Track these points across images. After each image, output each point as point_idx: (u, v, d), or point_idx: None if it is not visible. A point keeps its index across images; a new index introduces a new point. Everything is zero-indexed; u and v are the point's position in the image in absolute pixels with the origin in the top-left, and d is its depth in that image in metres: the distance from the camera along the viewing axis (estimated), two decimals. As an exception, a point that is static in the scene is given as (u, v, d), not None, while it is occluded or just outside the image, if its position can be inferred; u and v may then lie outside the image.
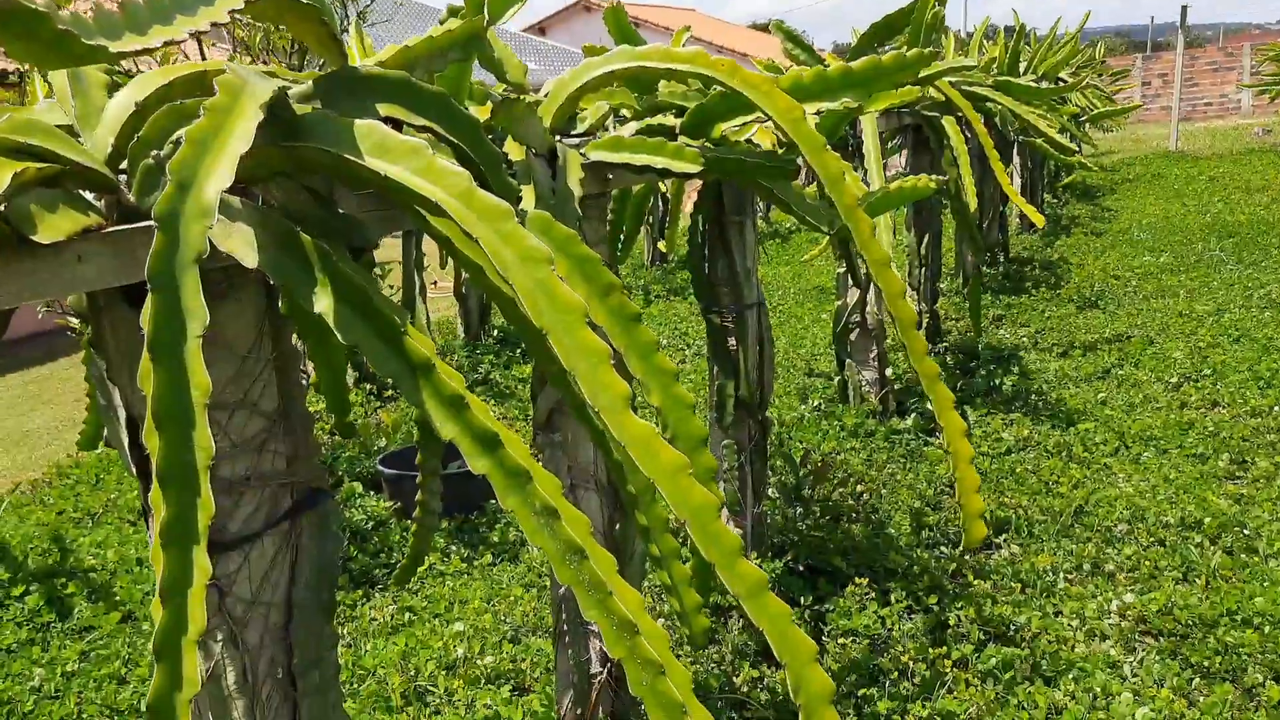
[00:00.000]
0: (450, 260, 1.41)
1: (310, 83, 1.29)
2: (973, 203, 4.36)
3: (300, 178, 1.27)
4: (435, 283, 7.63)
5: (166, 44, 1.11)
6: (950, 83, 4.36)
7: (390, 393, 5.71)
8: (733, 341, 2.98)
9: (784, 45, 4.17)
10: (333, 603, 1.41)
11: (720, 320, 2.98)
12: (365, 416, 5.24)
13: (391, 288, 5.32)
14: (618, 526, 2.16)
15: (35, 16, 0.93)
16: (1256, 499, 3.64)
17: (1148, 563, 3.23)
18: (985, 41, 7.83)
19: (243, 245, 1.09)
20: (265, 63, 4.44)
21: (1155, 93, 25.60)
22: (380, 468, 4.16)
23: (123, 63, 1.29)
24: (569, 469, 2.13)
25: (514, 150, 1.70)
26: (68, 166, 1.06)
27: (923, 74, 3.22)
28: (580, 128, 2.18)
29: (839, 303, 4.68)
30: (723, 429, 3.04)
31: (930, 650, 2.75)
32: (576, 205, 1.69)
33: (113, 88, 1.26)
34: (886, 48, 3.87)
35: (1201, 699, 2.55)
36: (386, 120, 1.26)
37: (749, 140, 2.23)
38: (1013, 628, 2.90)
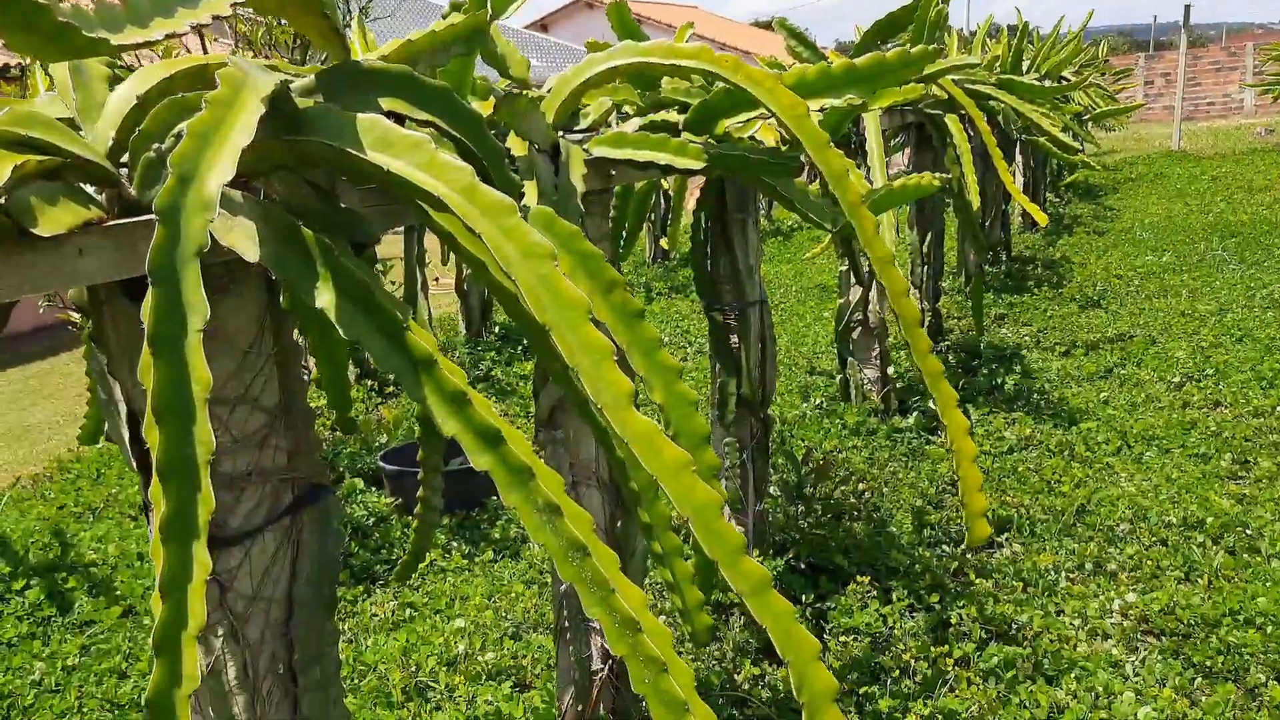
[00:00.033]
0: (452, 256, 1.40)
1: (312, 76, 1.28)
2: (975, 201, 4.35)
3: (302, 172, 1.26)
4: (437, 279, 7.63)
5: (168, 37, 1.11)
6: (953, 81, 4.35)
7: (392, 389, 5.70)
8: (735, 339, 2.97)
9: (787, 43, 4.16)
10: (334, 598, 1.41)
11: (722, 318, 2.97)
12: (367, 413, 5.23)
13: (393, 284, 5.33)
14: (619, 524, 2.15)
15: (36, 8, 0.93)
16: (1259, 499, 3.64)
17: (1150, 562, 3.23)
18: (988, 40, 7.82)
19: (244, 239, 1.08)
20: (267, 58, 4.44)
21: (1158, 92, 25.57)
22: (381, 464, 4.16)
23: (124, 56, 1.28)
24: (571, 466, 2.12)
25: (517, 146, 1.69)
26: (68, 159, 1.06)
27: (926, 71, 3.21)
28: (583, 123, 2.18)
29: (841, 301, 4.67)
30: (724, 427, 3.03)
31: (932, 649, 2.75)
32: (579, 201, 1.68)
33: (114, 81, 1.25)
34: (890, 45, 3.87)
35: (1204, 699, 2.54)
36: (389, 115, 1.25)
37: (752, 137, 2.22)
38: (1015, 626, 2.89)
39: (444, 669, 2.86)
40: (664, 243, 7.50)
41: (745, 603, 1.18)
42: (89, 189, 1.12)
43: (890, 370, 4.78)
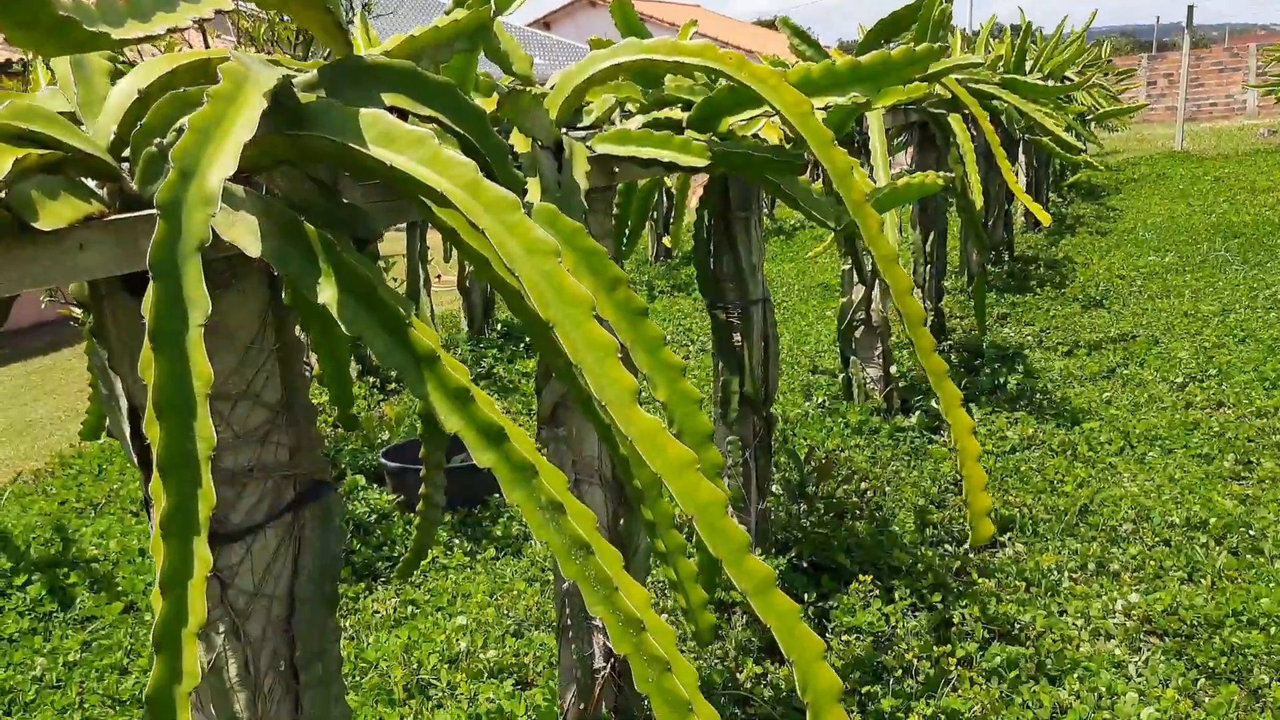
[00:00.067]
0: (454, 253, 1.40)
1: (315, 71, 1.28)
2: (979, 200, 4.34)
3: (304, 167, 1.26)
4: (439, 276, 7.62)
5: (170, 31, 1.10)
6: (957, 80, 4.34)
7: (394, 386, 5.70)
8: (738, 337, 2.96)
9: (790, 41, 4.15)
10: (335, 595, 1.40)
11: (725, 316, 2.97)
12: (369, 409, 5.23)
13: (396, 280, 5.31)
14: (622, 522, 2.15)
15: (37, 2, 0.92)
16: (1262, 500, 3.63)
17: (1153, 563, 3.22)
18: (991, 39, 7.81)
19: (246, 234, 1.08)
20: (269, 54, 4.44)
21: (1160, 93, 25.52)
22: (383, 461, 4.16)
23: (126, 51, 1.27)
24: (573, 464, 2.12)
25: (520, 142, 1.68)
26: (70, 153, 1.05)
27: (930, 70, 3.21)
28: (586, 121, 2.17)
29: (843, 299, 4.67)
30: (727, 425, 3.03)
31: (934, 648, 2.74)
32: (582, 198, 1.68)
33: (116, 75, 1.25)
34: (893, 44, 3.86)
35: (1207, 699, 2.54)
36: (392, 110, 1.25)
37: (756, 135, 2.22)
38: (1017, 626, 2.89)
39: (446, 666, 2.86)
40: (666, 241, 7.49)
41: (749, 602, 1.18)
42: (90, 183, 1.12)
43: (893, 369, 4.77)
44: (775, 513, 3.38)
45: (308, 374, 1.51)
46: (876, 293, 4.59)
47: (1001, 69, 5.86)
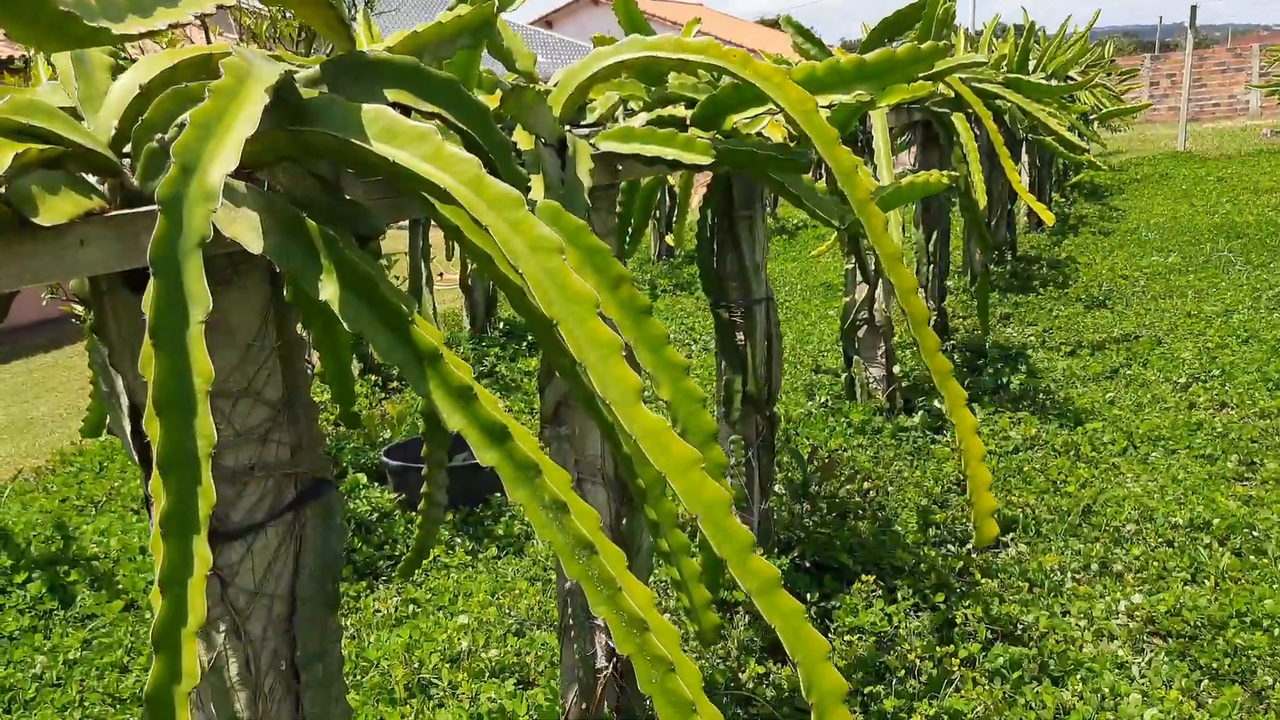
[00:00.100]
0: (456, 251, 1.39)
1: (317, 67, 1.27)
2: (982, 200, 4.34)
3: (306, 163, 1.25)
4: (441, 274, 7.61)
5: (171, 27, 1.10)
6: (961, 79, 4.34)
7: (396, 384, 5.69)
8: (741, 337, 2.96)
9: (794, 40, 4.14)
10: (336, 594, 1.39)
11: (728, 315, 2.96)
12: (370, 407, 5.23)
13: (398, 278, 5.31)
14: (625, 521, 2.14)
15: (38, -3, 0.92)
16: (1265, 500, 3.62)
17: (1156, 563, 3.21)
18: (995, 39, 7.80)
19: (247, 230, 1.07)
20: (271, 50, 4.43)
21: (1163, 93, 25.49)
22: (385, 459, 4.15)
23: (127, 47, 1.27)
24: (576, 463, 2.11)
25: (523, 140, 1.68)
26: (70, 148, 1.05)
27: (934, 69, 3.20)
28: (590, 118, 2.17)
29: (847, 299, 4.66)
30: (730, 424, 3.02)
31: (937, 648, 2.73)
32: (586, 196, 1.67)
33: (117, 70, 1.24)
34: (897, 43, 3.85)
35: (1210, 701, 2.53)
36: (394, 107, 1.24)
37: (760, 133, 2.21)
38: (1020, 627, 2.88)
39: (447, 666, 2.85)
40: (669, 239, 7.49)
41: (754, 602, 1.17)
42: (91, 179, 1.11)
43: (896, 369, 4.76)
44: (778, 512, 3.37)
45: (309, 371, 1.50)
46: (880, 292, 4.58)
47: (1005, 68, 5.85)
